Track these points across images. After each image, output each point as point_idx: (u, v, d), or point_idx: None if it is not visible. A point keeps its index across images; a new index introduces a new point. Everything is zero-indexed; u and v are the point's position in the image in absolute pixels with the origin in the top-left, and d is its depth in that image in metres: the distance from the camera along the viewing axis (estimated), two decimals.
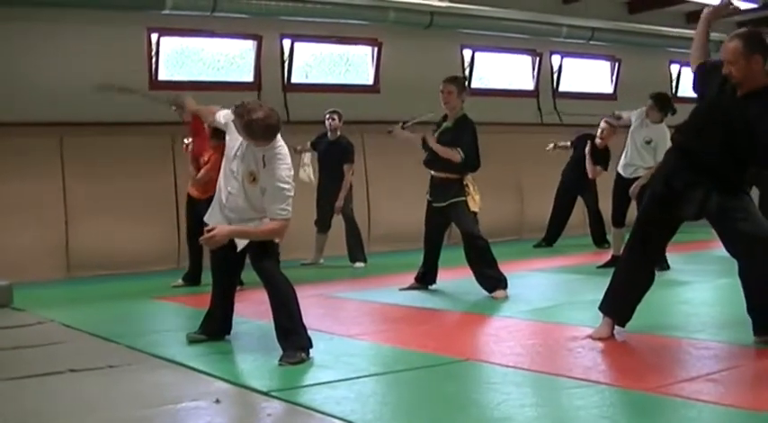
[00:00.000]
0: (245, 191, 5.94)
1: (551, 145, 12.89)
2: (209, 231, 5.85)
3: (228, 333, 6.55)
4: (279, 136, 5.91)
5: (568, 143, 12.82)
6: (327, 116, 11.29)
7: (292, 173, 5.94)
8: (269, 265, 5.92)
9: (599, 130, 12.05)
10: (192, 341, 6.42)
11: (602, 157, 12.23)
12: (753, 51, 5.41)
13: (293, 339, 5.75)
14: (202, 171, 9.09)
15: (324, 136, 11.39)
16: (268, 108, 5.78)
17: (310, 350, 5.75)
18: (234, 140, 6.05)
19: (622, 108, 11.11)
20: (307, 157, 11.52)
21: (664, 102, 9.51)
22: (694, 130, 5.77)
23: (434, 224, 8.76)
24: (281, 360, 5.62)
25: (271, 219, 5.85)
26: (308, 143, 11.48)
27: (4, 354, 6.28)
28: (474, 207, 8.39)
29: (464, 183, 8.42)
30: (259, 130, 5.73)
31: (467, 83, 8.75)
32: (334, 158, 11.22)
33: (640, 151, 9.61)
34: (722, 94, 5.59)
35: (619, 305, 6.07)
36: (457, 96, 8.45)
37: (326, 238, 11.59)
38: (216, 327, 6.50)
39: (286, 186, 5.82)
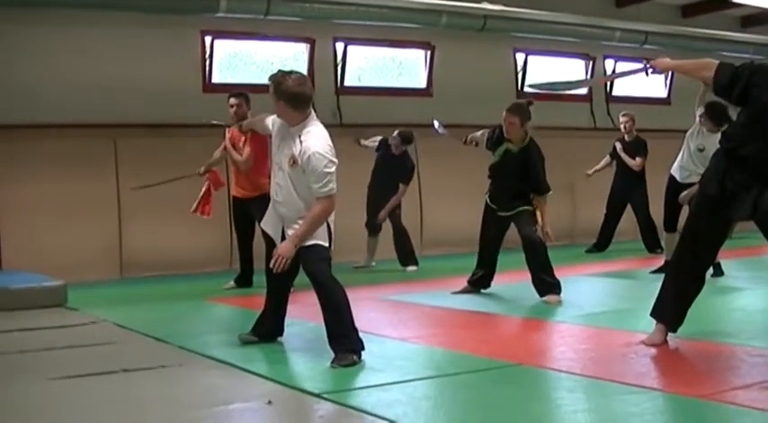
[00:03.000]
0: (290, 177, 5.92)
1: (591, 171, 13.01)
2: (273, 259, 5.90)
3: (281, 335, 6.57)
4: (314, 115, 5.98)
5: (607, 158, 12.89)
6: (392, 139, 11.27)
7: (330, 148, 5.84)
8: (319, 269, 5.90)
9: (621, 126, 12.48)
10: (244, 342, 6.47)
11: (636, 147, 12.31)
12: None
13: (344, 342, 5.75)
14: (245, 154, 9.35)
15: (387, 145, 11.37)
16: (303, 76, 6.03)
17: (362, 353, 5.76)
18: (276, 136, 6.10)
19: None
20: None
21: (715, 112, 9.34)
22: (742, 134, 5.66)
23: (494, 229, 8.72)
24: (332, 362, 5.63)
25: (316, 199, 5.82)
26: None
27: (58, 353, 6.35)
28: (539, 220, 8.38)
29: (530, 196, 8.43)
30: (291, 90, 5.81)
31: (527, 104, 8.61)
32: (392, 173, 11.22)
33: (693, 157, 9.54)
34: None
35: (669, 311, 6.01)
36: (519, 128, 8.39)
37: (377, 241, 11.59)
38: (268, 328, 6.52)
39: (323, 161, 5.74)
